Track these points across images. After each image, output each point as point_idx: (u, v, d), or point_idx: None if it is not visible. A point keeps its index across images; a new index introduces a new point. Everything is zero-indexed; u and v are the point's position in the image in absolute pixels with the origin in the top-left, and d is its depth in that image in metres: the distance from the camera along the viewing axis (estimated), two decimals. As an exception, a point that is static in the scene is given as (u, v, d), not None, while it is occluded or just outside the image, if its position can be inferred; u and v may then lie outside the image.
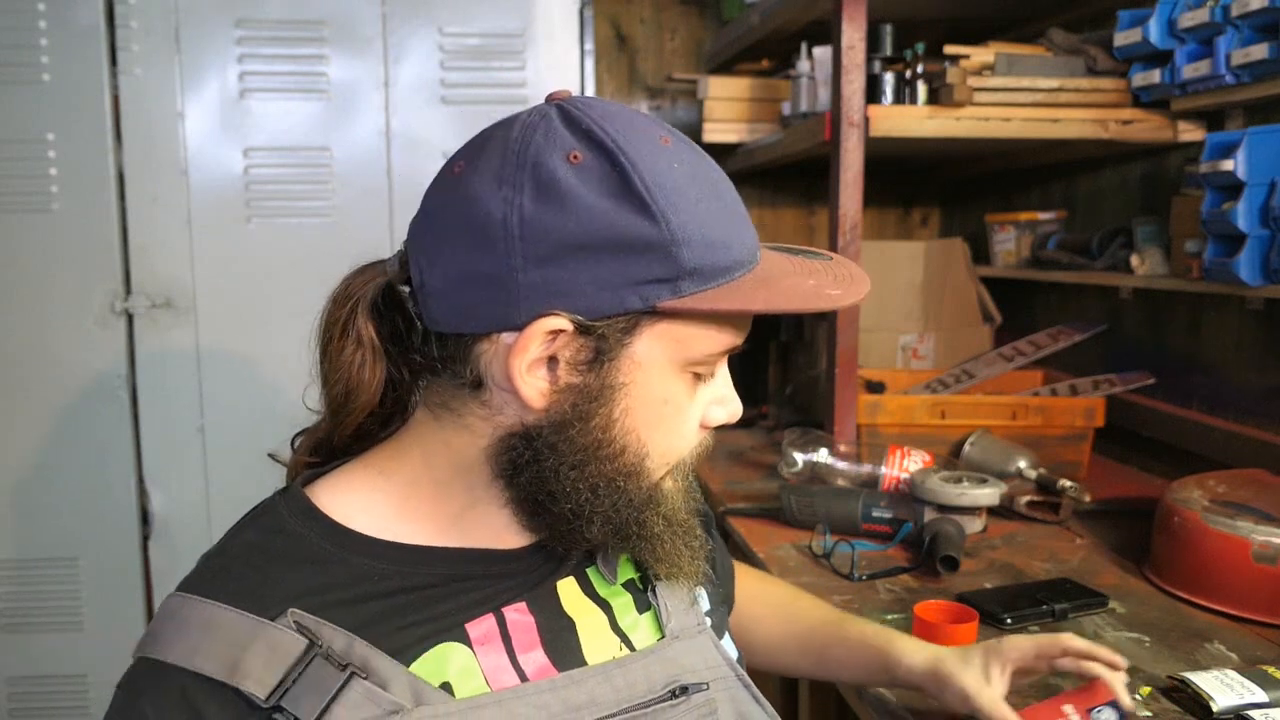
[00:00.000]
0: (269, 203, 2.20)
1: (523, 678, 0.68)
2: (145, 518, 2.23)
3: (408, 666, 0.64)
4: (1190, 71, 1.57)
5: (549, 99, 0.68)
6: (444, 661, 0.66)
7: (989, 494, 1.42)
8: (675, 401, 0.68)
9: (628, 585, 0.77)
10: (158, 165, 2.16)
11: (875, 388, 1.96)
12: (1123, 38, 1.67)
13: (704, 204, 0.64)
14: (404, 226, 0.74)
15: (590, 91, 2.30)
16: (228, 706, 0.61)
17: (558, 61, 2.25)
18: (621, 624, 0.74)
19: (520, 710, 0.65)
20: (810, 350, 2.08)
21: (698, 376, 0.69)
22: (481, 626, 0.68)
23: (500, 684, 0.67)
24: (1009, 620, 1.13)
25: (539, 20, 2.23)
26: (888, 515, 1.45)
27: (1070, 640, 0.89)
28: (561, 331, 0.63)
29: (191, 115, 2.16)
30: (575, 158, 0.62)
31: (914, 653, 0.91)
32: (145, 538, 2.24)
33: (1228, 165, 1.39)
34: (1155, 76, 1.64)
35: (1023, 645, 0.90)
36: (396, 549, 0.69)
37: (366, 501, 0.70)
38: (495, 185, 0.63)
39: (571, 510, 0.67)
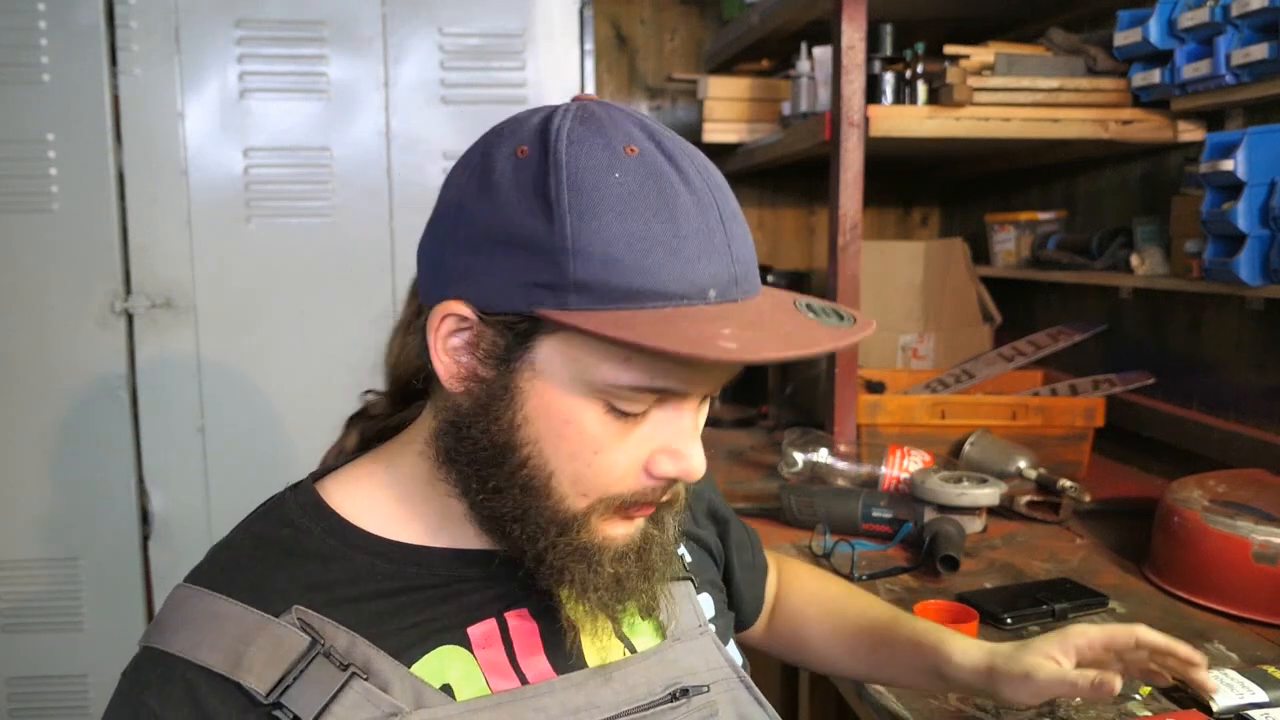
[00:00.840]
0: (269, 203, 2.20)
1: (523, 681, 0.68)
2: (145, 518, 2.23)
3: (409, 668, 0.64)
4: (1190, 71, 1.57)
5: (574, 99, 0.67)
6: (445, 663, 0.66)
7: (989, 494, 1.42)
8: (579, 425, 0.62)
9: None
10: (158, 165, 2.16)
11: (875, 388, 1.96)
12: (1123, 38, 1.67)
13: (629, 222, 0.59)
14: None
15: (590, 92, 2.29)
16: (229, 701, 0.61)
17: (558, 61, 2.25)
18: (624, 628, 0.74)
19: (519, 713, 0.65)
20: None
21: (619, 411, 0.62)
22: (482, 629, 0.68)
23: (501, 688, 0.67)
24: (1009, 620, 1.13)
25: (539, 20, 2.23)
26: (888, 515, 1.45)
27: (1145, 633, 0.81)
28: (464, 318, 0.63)
29: (191, 115, 2.16)
30: (521, 152, 0.62)
31: (966, 650, 0.85)
32: (145, 538, 2.24)
33: (1228, 165, 1.39)
34: (1155, 76, 1.64)
35: (1090, 632, 0.82)
36: (399, 548, 0.69)
37: (371, 498, 0.70)
38: (460, 170, 0.66)
39: (497, 518, 0.65)
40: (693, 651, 0.75)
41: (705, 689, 0.72)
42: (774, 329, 0.61)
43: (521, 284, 0.60)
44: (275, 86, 2.18)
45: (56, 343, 2.16)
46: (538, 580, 0.66)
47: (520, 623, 0.69)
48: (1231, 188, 1.42)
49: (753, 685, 0.76)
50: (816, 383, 1.97)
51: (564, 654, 0.70)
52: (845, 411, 1.73)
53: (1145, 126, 1.72)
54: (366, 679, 0.62)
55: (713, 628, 0.78)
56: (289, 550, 0.67)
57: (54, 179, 2.11)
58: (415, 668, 0.65)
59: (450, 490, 0.67)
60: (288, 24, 2.16)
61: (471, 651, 0.67)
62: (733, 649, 0.80)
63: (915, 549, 1.38)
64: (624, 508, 0.65)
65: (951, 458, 1.72)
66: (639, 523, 0.67)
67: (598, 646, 0.72)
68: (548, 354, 0.62)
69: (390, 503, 0.70)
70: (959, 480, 1.44)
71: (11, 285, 2.13)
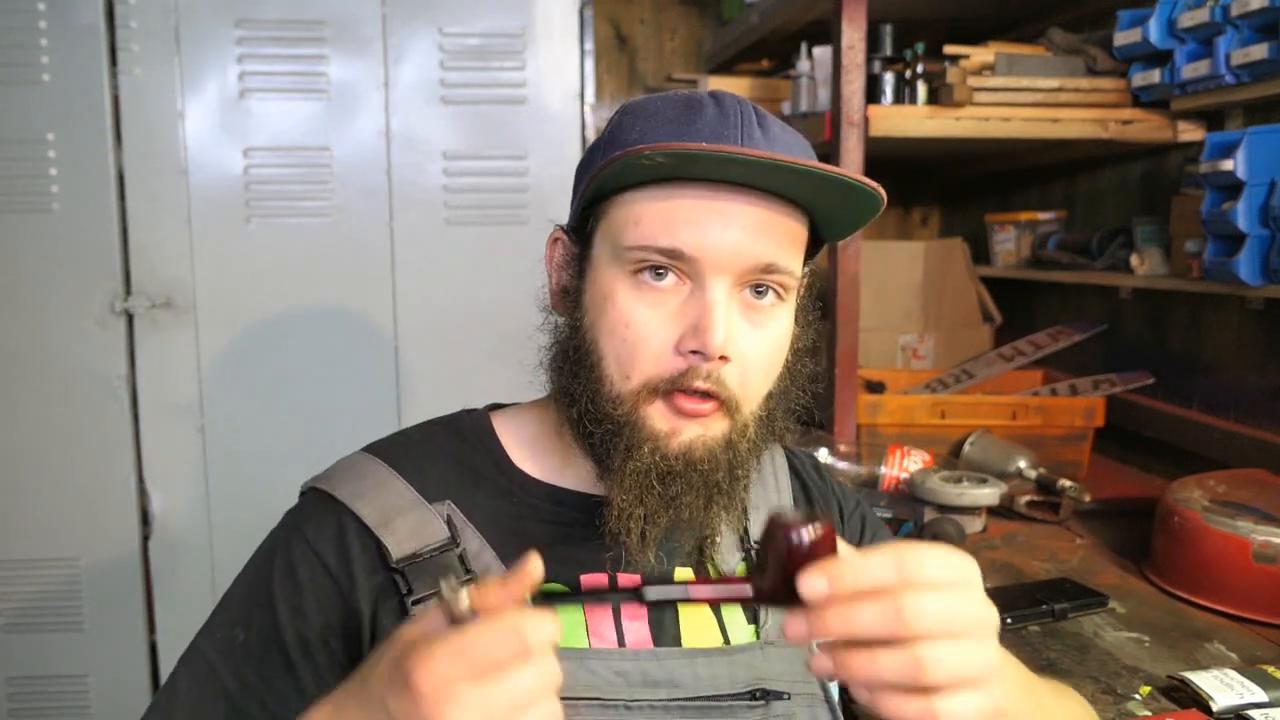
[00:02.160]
0: (269, 203, 2.20)
1: (621, 642, 0.71)
2: (145, 518, 2.23)
3: None
4: (1190, 71, 1.57)
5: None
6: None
7: (989, 494, 1.42)
8: (614, 299, 0.69)
9: None
10: (158, 165, 2.16)
11: (875, 388, 1.96)
12: (1123, 38, 1.67)
13: (651, 122, 0.70)
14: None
15: (590, 92, 2.29)
16: (368, 551, 0.72)
17: (558, 61, 2.25)
18: (725, 619, 0.75)
19: (597, 668, 0.69)
20: (812, 350, 2.08)
21: (645, 283, 0.69)
22: (593, 580, 0.73)
23: (601, 639, 0.71)
24: (1009, 620, 1.13)
25: (539, 20, 2.23)
26: (887, 515, 1.45)
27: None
28: (557, 239, 0.76)
29: (191, 115, 2.16)
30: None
31: None
32: (145, 538, 2.24)
33: (1228, 165, 1.39)
34: (1155, 76, 1.64)
35: None
36: (534, 483, 0.77)
37: (521, 434, 0.79)
38: None
39: (578, 422, 0.72)
40: (784, 658, 0.75)
41: (786, 696, 0.73)
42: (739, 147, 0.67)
43: (580, 194, 0.73)
44: (275, 86, 2.18)
45: (56, 343, 2.16)
46: (612, 499, 0.70)
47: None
48: (1231, 188, 1.42)
49: (837, 707, 0.76)
50: (816, 382, 1.97)
51: (663, 628, 0.72)
52: (845, 411, 1.73)
53: (1145, 126, 1.72)
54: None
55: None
56: (453, 458, 0.77)
57: (54, 179, 2.11)
58: None
59: (562, 419, 0.74)
60: (288, 24, 2.16)
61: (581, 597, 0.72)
62: (833, 686, 0.79)
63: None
64: (668, 394, 0.68)
65: (951, 458, 1.72)
66: (692, 428, 0.69)
67: (697, 630, 0.73)
68: (598, 243, 0.72)
69: (536, 442, 0.78)
70: (959, 480, 1.44)
71: (11, 285, 2.13)
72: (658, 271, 0.68)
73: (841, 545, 0.55)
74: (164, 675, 2.24)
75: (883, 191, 0.68)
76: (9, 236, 2.12)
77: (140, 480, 2.22)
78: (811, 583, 0.52)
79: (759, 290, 0.70)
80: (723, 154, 0.64)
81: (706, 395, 0.68)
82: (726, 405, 0.69)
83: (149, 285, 2.18)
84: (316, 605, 0.71)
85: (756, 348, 0.71)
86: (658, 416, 0.69)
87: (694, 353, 0.68)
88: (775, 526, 0.54)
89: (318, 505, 0.75)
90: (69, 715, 2.24)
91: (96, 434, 2.19)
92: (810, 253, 0.77)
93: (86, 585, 2.22)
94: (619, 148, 0.68)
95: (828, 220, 0.74)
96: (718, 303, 0.68)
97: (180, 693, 0.72)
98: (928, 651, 0.51)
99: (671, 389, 0.68)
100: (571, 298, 0.74)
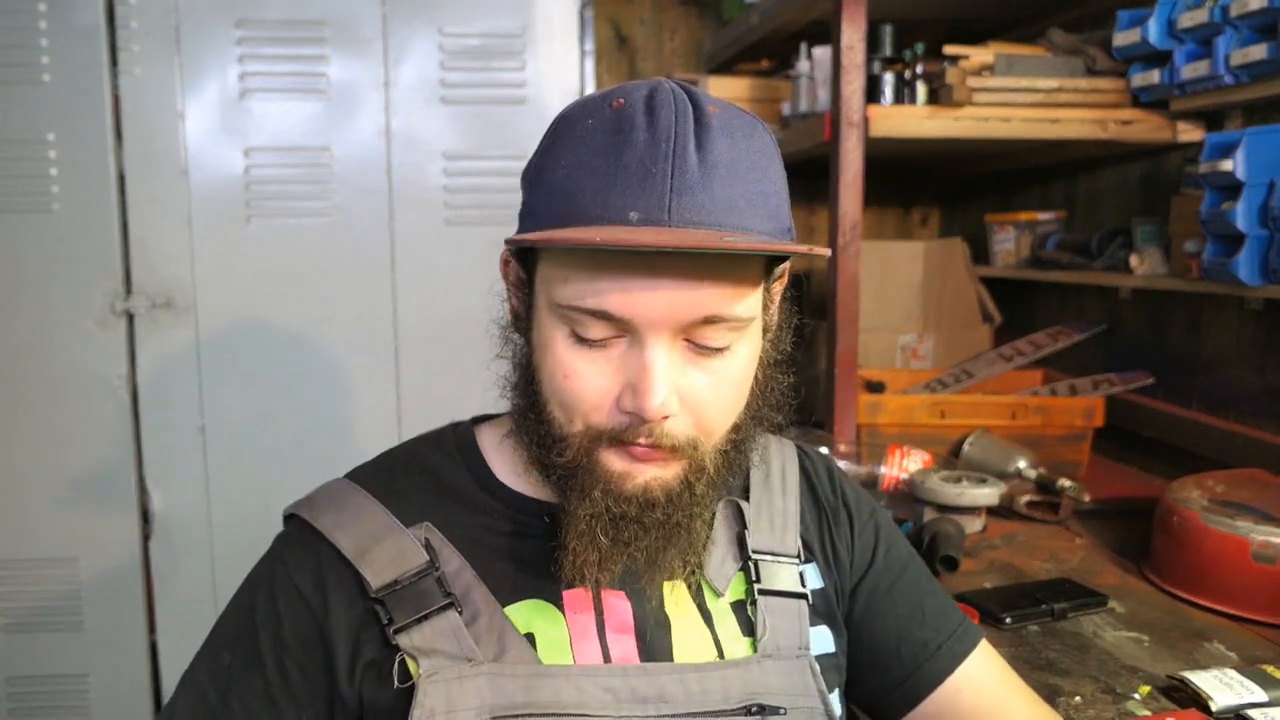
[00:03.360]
0: (269, 203, 2.20)
1: (607, 658, 0.70)
2: (145, 518, 2.23)
3: (503, 607, 0.70)
4: (1189, 72, 1.57)
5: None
6: (534, 615, 0.70)
7: (989, 494, 1.42)
8: (553, 349, 0.68)
9: (736, 606, 0.76)
10: (158, 165, 2.16)
11: (875, 388, 1.96)
12: (1122, 38, 1.67)
13: (575, 155, 0.65)
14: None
15: (590, 92, 2.29)
16: (345, 582, 0.72)
17: (558, 62, 2.25)
18: (719, 633, 0.73)
19: (586, 687, 0.68)
20: (810, 350, 2.08)
21: (579, 337, 0.66)
22: (576, 594, 0.72)
23: (585, 655, 0.70)
24: (1009, 620, 1.13)
25: (539, 20, 2.23)
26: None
27: None
28: (507, 260, 0.75)
29: (191, 115, 2.16)
30: None
31: None
32: (145, 538, 2.24)
33: (1227, 165, 1.40)
34: (1154, 77, 1.64)
35: None
36: (516, 497, 0.76)
37: (505, 448, 0.78)
38: None
39: (532, 446, 0.71)
40: (782, 672, 0.73)
41: (782, 711, 0.71)
42: (666, 238, 0.61)
43: (520, 217, 0.71)
44: (275, 86, 2.18)
45: (56, 343, 2.16)
46: (567, 544, 0.69)
47: (617, 602, 0.72)
48: (1231, 188, 1.42)
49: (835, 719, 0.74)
50: (816, 382, 1.97)
51: (653, 644, 0.71)
52: (845, 411, 1.73)
53: (1144, 127, 1.72)
54: (461, 613, 0.68)
55: (811, 654, 0.75)
56: (434, 477, 0.77)
57: (54, 179, 2.11)
58: (508, 609, 0.70)
59: (520, 434, 0.74)
60: (288, 24, 2.16)
61: (563, 613, 0.71)
62: (835, 699, 0.77)
63: (915, 549, 1.37)
64: (615, 441, 0.67)
65: (951, 457, 1.72)
66: (648, 470, 0.67)
67: (690, 645, 0.72)
68: (538, 284, 0.70)
69: (515, 455, 0.76)
70: (959, 480, 1.44)
71: (11, 285, 2.13)
72: (591, 335, 0.65)
73: None
74: (164, 675, 2.25)
75: (826, 251, 0.66)
76: (9, 236, 2.12)
77: (140, 480, 2.22)
78: None
79: (702, 341, 0.66)
80: (629, 248, 0.61)
81: (655, 446, 0.66)
82: (679, 450, 0.67)
83: (149, 285, 2.19)
84: (295, 636, 0.72)
85: (710, 391, 0.67)
86: (612, 458, 0.68)
87: (632, 413, 0.65)
88: None
89: (298, 535, 0.75)
90: (69, 715, 2.24)
91: (96, 434, 2.19)
92: (775, 262, 0.73)
93: (86, 585, 2.22)
94: (544, 186, 0.67)
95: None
96: (655, 363, 0.64)
97: (177, 713, 0.74)
98: None
99: (615, 439, 0.67)
100: (523, 325, 0.74)
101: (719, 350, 0.67)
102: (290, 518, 0.77)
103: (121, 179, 2.15)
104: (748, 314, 0.67)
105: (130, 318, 2.19)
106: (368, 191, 2.22)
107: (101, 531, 2.21)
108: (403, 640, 0.68)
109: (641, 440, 0.66)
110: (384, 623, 0.69)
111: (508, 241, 0.67)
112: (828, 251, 0.66)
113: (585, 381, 0.66)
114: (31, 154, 2.10)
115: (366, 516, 0.74)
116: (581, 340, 0.66)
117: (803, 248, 0.64)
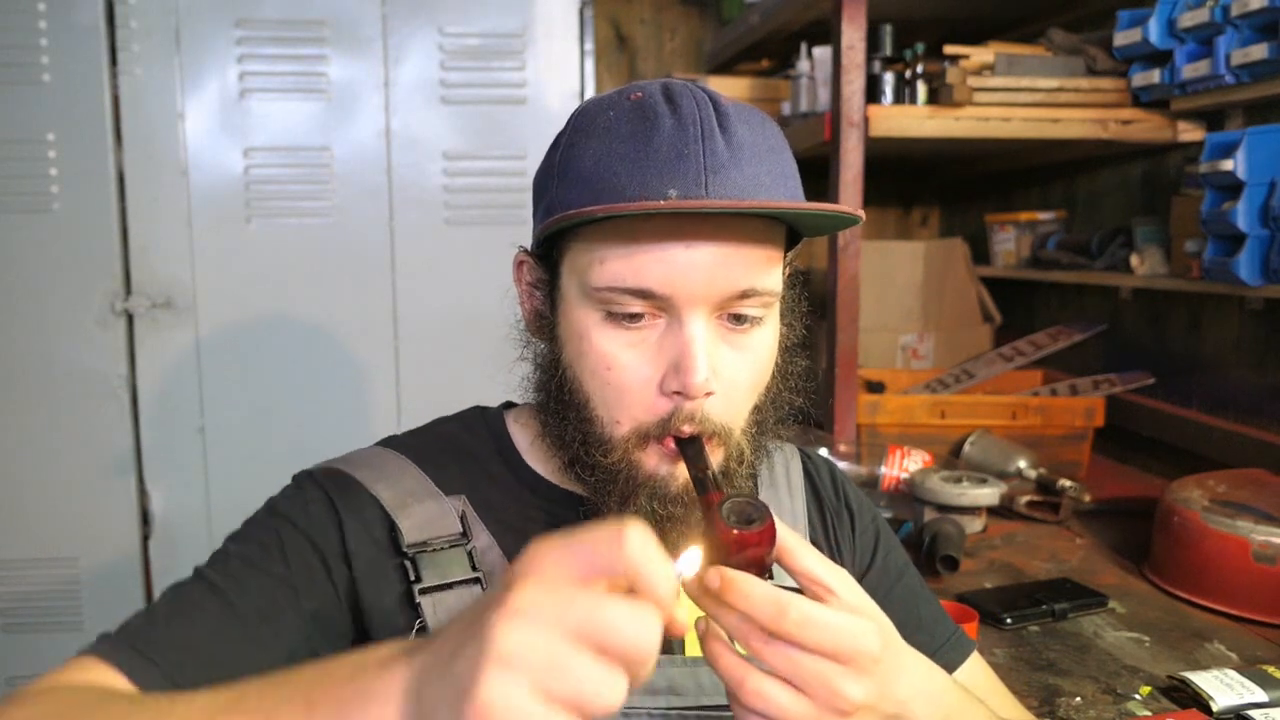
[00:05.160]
0: (269, 203, 2.20)
1: None
2: (145, 518, 2.23)
3: None
4: (1190, 71, 1.57)
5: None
6: None
7: (989, 494, 1.42)
8: (590, 339, 0.68)
9: None
10: (158, 165, 2.16)
11: (875, 388, 1.96)
12: (1122, 38, 1.67)
13: (602, 144, 0.66)
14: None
15: (590, 92, 2.29)
16: (379, 528, 0.71)
17: (558, 62, 2.25)
18: None
19: None
20: (810, 350, 2.08)
21: (615, 317, 0.67)
22: None
23: None
24: (1009, 620, 1.13)
25: (539, 20, 2.23)
26: (887, 515, 1.45)
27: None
28: (523, 261, 0.75)
29: (191, 115, 2.16)
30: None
31: None
32: (145, 538, 2.23)
33: (1227, 165, 1.39)
34: (1155, 76, 1.64)
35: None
36: (541, 482, 0.77)
37: (532, 435, 0.79)
38: None
39: (567, 446, 0.71)
40: None
41: None
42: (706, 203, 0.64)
43: (542, 214, 0.71)
44: (275, 86, 2.18)
45: (56, 343, 2.16)
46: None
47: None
48: (1231, 188, 1.42)
49: None
50: (816, 382, 1.97)
51: (666, 637, 0.70)
52: (845, 411, 1.73)
53: (1145, 126, 1.72)
54: (485, 591, 0.68)
55: None
56: (469, 454, 0.78)
57: (54, 179, 2.11)
58: None
59: (549, 435, 0.74)
60: (288, 24, 2.16)
61: None
62: None
63: (915, 549, 1.37)
64: (660, 437, 0.68)
65: (951, 457, 1.72)
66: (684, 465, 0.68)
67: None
68: (565, 274, 0.70)
69: (541, 441, 0.77)
70: (959, 480, 1.44)
71: (11, 285, 2.13)
72: (631, 311, 0.66)
73: (787, 535, 0.57)
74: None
75: (860, 213, 0.67)
76: (9, 236, 2.12)
77: (140, 480, 2.22)
78: (710, 577, 0.54)
79: (738, 315, 0.68)
80: (682, 210, 0.63)
81: (698, 432, 0.67)
82: (716, 436, 0.68)
83: (149, 285, 2.18)
84: (320, 534, 0.71)
85: (742, 371, 0.69)
86: (654, 459, 0.69)
87: (677, 393, 0.66)
88: (713, 511, 0.56)
89: (336, 478, 0.74)
90: (69, 715, 2.24)
91: (96, 434, 2.19)
92: (789, 244, 0.75)
93: (86, 585, 2.22)
94: (572, 176, 0.67)
95: (806, 225, 0.73)
96: (696, 338, 0.66)
97: (184, 590, 0.73)
98: (764, 686, 0.53)
99: (662, 434, 0.67)
100: (546, 324, 0.73)
101: (749, 326, 0.69)
102: (318, 469, 0.76)
103: (121, 179, 2.15)
104: (778, 288, 0.71)
105: (130, 318, 2.19)
106: (368, 191, 2.22)
107: (101, 531, 2.21)
108: (425, 604, 0.68)
109: (686, 428, 0.67)
110: (411, 580, 0.69)
111: (545, 225, 0.66)
112: (862, 215, 0.69)
113: (628, 373, 0.67)
114: (31, 154, 2.10)
115: (407, 477, 0.74)
116: (618, 322, 0.67)
117: (847, 208, 0.67)
